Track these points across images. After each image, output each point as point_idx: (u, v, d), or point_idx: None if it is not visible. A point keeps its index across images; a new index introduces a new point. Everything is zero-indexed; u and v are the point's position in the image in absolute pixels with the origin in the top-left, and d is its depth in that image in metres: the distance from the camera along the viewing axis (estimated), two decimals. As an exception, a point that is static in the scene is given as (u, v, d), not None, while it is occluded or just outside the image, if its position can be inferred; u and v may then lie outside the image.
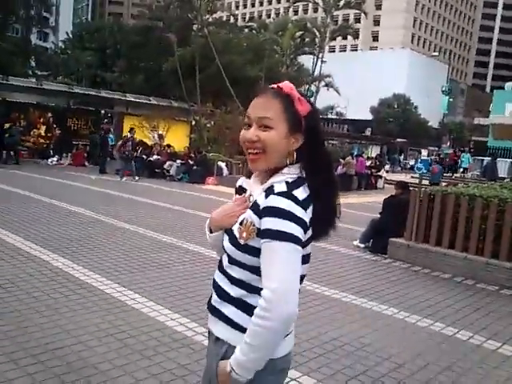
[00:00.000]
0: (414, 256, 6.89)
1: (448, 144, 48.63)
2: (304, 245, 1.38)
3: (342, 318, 4.55)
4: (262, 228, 1.36)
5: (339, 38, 59.38)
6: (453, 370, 3.66)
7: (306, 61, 32.78)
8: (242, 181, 1.61)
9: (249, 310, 1.41)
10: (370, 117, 52.43)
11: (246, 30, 38.66)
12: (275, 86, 1.47)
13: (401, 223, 7.26)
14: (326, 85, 28.61)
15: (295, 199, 1.36)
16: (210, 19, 34.14)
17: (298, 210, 1.35)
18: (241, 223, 1.43)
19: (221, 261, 1.55)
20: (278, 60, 29.77)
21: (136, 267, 5.57)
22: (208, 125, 23.95)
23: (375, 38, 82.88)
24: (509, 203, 6.20)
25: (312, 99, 30.26)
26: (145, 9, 46.60)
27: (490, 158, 21.38)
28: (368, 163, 21.39)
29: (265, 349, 1.35)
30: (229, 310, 1.47)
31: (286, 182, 1.40)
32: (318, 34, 29.56)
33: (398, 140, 39.63)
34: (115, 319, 4.02)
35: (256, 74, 30.93)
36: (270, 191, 1.39)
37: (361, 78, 60.07)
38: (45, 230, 7.11)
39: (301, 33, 29.08)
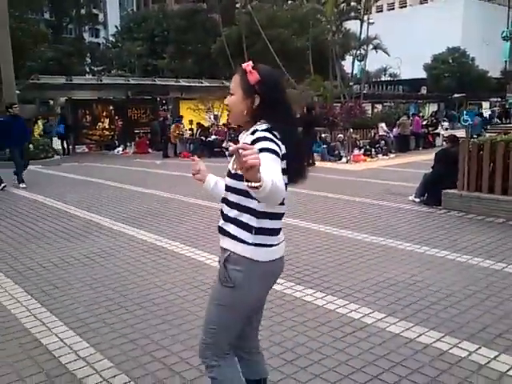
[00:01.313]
0: (468, 204, 7.19)
1: (514, 93, 46.33)
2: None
3: (398, 262, 5.04)
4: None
5: (386, -4, 57.58)
6: (499, 296, 4.09)
7: (354, 25, 32.21)
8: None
9: (243, 226, 2.01)
10: (424, 75, 50.75)
11: (289, 2, 38.39)
12: (242, 64, 2.09)
13: (453, 175, 7.54)
14: (375, 47, 28.12)
15: (267, 132, 1.96)
16: (253, -6, 34.20)
17: (271, 137, 1.93)
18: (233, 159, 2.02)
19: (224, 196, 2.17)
20: (323, 28, 29.49)
21: (209, 234, 6.25)
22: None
23: (425, -9, 79.29)
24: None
25: (362, 63, 29.92)
26: (188, -8, 47.13)
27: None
28: (424, 122, 21.19)
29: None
30: (230, 228, 2.06)
31: (262, 129, 1.99)
32: (362, -5, 28.95)
33: (456, 95, 38.33)
34: (198, 275, 4.72)
35: (303, 45, 30.87)
36: (254, 132, 1.99)
37: (412, 36, 57.98)
38: (128, 209, 7.96)
39: (344, -3, 28.66)
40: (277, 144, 1.94)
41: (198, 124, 20.33)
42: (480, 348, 3.19)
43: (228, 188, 2.10)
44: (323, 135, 17.39)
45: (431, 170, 8.30)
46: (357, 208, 7.88)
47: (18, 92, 18.24)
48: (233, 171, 2.05)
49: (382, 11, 72.98)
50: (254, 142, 1.92)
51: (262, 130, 1.97)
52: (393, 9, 76.80)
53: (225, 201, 2.13)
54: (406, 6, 74.37)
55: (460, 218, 7.00)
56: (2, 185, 9.94)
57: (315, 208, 7.95)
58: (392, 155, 17.00)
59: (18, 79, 18.44)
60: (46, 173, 11.61)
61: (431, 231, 6.32)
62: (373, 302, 4.00)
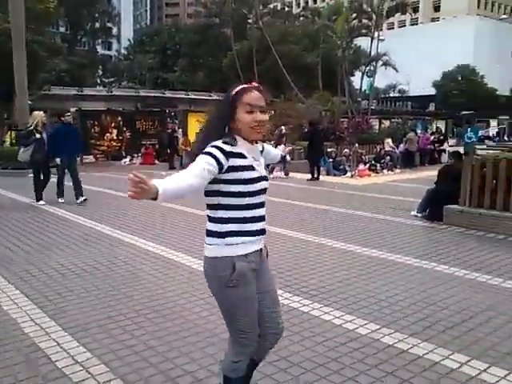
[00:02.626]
0: (469, 220, 7.22)
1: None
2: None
3: (397, 275, 5.08)
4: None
5: (398, 14, 57.89)
6: (494, 309, 4.11)
7: (364, 41, 32.47)
8: (235, 149, 2.25)
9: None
10: (433, 91, 50.90)
11: (301, 19, 38.81)
12: (257, 85, 2.30)
13: (456, 191, 7.58)
14: (384, 64, 28.34)
15: None
16: (265, 10, 34.64)
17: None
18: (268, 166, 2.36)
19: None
20: (333, 44, 29.85)
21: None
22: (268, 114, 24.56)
23: (436, 9, 79.60)
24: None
25: (371, 79, 30.12)
26: (200, 7, 47.76)
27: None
28: (431, 138, 21.23)
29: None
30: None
31: None
32: (373, 14, 29.25)
33: (464, 113, 38.39)
34: (196, 284, 4.78)
35: (313, 60, 31.17)
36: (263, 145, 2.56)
37: (423, 53, 58.28)
38: (131, 219, 8.06)
39: (355, 15, 28.96)
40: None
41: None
42: (453, 353, 3.23)
43: (265, 191, 2.36)
44: (329, 150, 17.48)
45: (434, 185, 8.34)
46: (360, 222, 7.93)
47: (30, 102, 18.58)
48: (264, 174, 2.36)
49: (393, 28, 73.50)
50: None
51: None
52: (404, 26, 77.19)
53: (263, 204, 2.36)
54: (417, 24, 74.78)
55: (461, 233, 7.02)
56: (82, 198, 9.46)
57: (318, 221, 8.00)
58: (397, 171, 17.05)
59: (30, 90, 18.82)
60: (52, 181, 11.70)
61: (431, 246, 6.35)
62: (368, 313, 4.05)
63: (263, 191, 2.33)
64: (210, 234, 2.30)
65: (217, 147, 2.17)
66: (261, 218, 2.33)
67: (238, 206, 2.24)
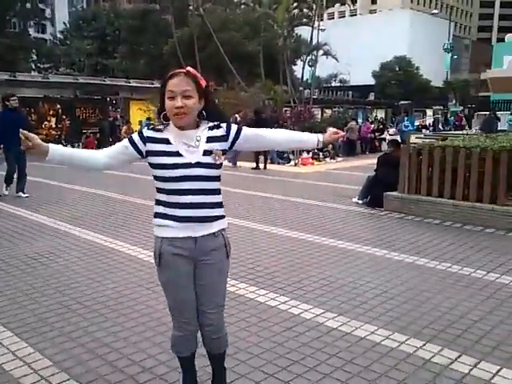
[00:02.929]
0: (408, 206, 7.53)
1: (454, 102, 48.52)
2: None
3: (338, 261, 5.23)
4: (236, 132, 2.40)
5: (337, 5, 58.85)
6: (430, 291, 4.33)
7: (306, 31, 32.83)
8: (161, 134, 2.31)
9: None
10: (373, 81, 52.34)
11: (242, 7, 38.66)
12: (184, 70, 2.27)
13: (394, 178, 7.87)
14: (325, 53, 28.80)
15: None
16: (206, -3, 34.22)
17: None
18: (212, 152, 2.29)
19: None
20: (275, 33, 29.94)
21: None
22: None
23: (374, 1, 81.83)
24: (489, 151, 6.78)
25: (312, 69, 30.50)
26: (139, -8, 46.50)
27: (488, 113, 21.71)
28: (371, 127, 21.85)
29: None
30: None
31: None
32: (313, 3, 29.61)
33: (402, 102, 39.74)
34: (143, 274, 4.73)
35: (254, 49, 31.18)
36: (218, 126, 2.36)
37: (362, 43, 59.74)
38: (71, 209, 7.83)
39: (296, 4, 29.18)
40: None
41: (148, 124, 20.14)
42: (410, 338, 3.39)
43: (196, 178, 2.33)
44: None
45: (374, 173, 8.62)
46: (302, 209, 8.08)
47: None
48: (218, 162, 2.35)
49: (333, 18, 74.80)
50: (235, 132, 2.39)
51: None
52: (343, 16, 78.80)
53: (193, 192, 2.33)
54: (356, 15, 76.51)
55: (400, 219, 7.32)
56: (24, 195, 8.83)
57: (262, 209, 8.08)
58: (339, 159, 17.44)
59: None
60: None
61: (372, 231, 6.58)
62: (313, 298, 4.15)
63: (190, 178, 2.26)
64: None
65: (139, 132, 2.34)
66: (187, 205, 2.28)
67: (162, 190, 2.33)
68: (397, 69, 50.62)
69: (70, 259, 5.21)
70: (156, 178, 2.33)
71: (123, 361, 3.10)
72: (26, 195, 8.88)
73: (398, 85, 48.29)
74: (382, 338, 3.41)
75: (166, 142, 2.28)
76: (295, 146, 3.26)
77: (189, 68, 2.29)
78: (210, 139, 2.31)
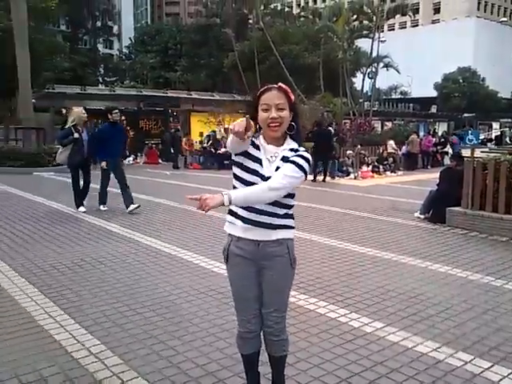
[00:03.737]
0: (471, 222, 7.31)
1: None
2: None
3: (400, 275, 5.17)
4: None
5: (398, 16, 57.83)
6: (495, 310, 4.20)
7: (365, 43, 32.57)
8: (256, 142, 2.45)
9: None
10: (435, 94, 50.98)
11: (301, 19, 38.88)
12: (276, 85, 2.42)
13: (458, 193, 7.66)
14: (385, 65, 28.43)
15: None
16: (266, 11, 34.69)
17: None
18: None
19: None
20: (334, 46, 29.92)
21: (212, 241, 6.39)
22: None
23: (436, 11, 79.77)
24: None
25: (372, 81, 30.17)
26: (201, 7, 47.76)
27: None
28: (433, 140, 21.32)
29: None
30: None
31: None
32: (373, 15, 29.33)
33: (466, 115, 38.47)
34: (204, 281, 4.87)
35: (314, 61, 31.21)
36: (295, 150, 2.44)
37: (424, 55, 58.33)
38: (138, 217, 8.15)
39: (355, 16, 29.04)
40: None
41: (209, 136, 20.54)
42: (475, 359, 3.31)
43: None
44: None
45: (436, 187, 8.43)
46: (363, 223, 8.01)
47: (33, 101, 18.64)
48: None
49: (393, 29, 73.55)
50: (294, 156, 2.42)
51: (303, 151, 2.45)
52: (405, 27, 77.23)
53: None
54: (417, 25, 74.81)
55: (463, 235, 7.12)
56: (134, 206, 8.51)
57: (322, 222, 8.09)
58: (400, 172, 17.13)
59: (33, 88, 18.88)
60: (58, 180, 11.81)
61: (435, 247, 6.44)
62: (373, 312, 4.14)
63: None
64: None
65: None
66: (254, 210, 2.41)
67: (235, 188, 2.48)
68: (460, 80, 49.04)
69: (135, 264, 5.44)
70: (235, 176, 2.50)
71: (187, 363, 3.22)
72: (106, 208, 8.75)
73: (462, 97, 46.76)
74: (445, 356, 3.35)
75: (257, 148, 2.45)
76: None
77: (280, 84, 2.44)
78: (284, 158, 2.42)
